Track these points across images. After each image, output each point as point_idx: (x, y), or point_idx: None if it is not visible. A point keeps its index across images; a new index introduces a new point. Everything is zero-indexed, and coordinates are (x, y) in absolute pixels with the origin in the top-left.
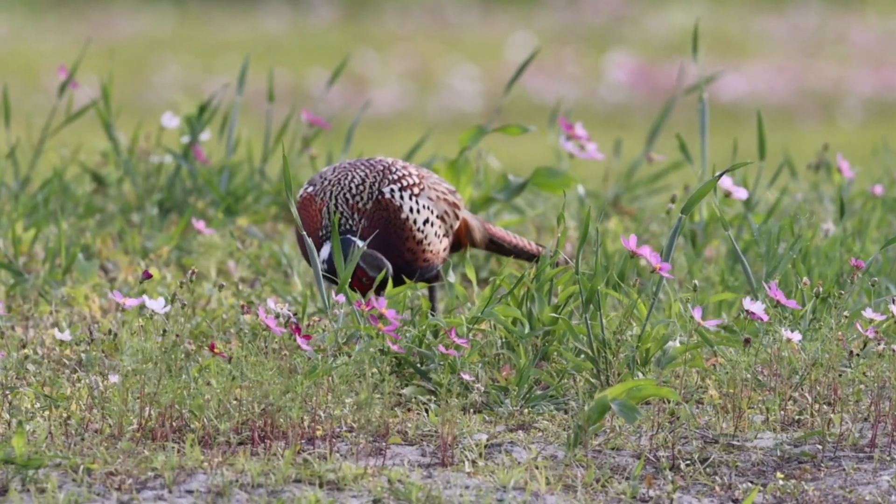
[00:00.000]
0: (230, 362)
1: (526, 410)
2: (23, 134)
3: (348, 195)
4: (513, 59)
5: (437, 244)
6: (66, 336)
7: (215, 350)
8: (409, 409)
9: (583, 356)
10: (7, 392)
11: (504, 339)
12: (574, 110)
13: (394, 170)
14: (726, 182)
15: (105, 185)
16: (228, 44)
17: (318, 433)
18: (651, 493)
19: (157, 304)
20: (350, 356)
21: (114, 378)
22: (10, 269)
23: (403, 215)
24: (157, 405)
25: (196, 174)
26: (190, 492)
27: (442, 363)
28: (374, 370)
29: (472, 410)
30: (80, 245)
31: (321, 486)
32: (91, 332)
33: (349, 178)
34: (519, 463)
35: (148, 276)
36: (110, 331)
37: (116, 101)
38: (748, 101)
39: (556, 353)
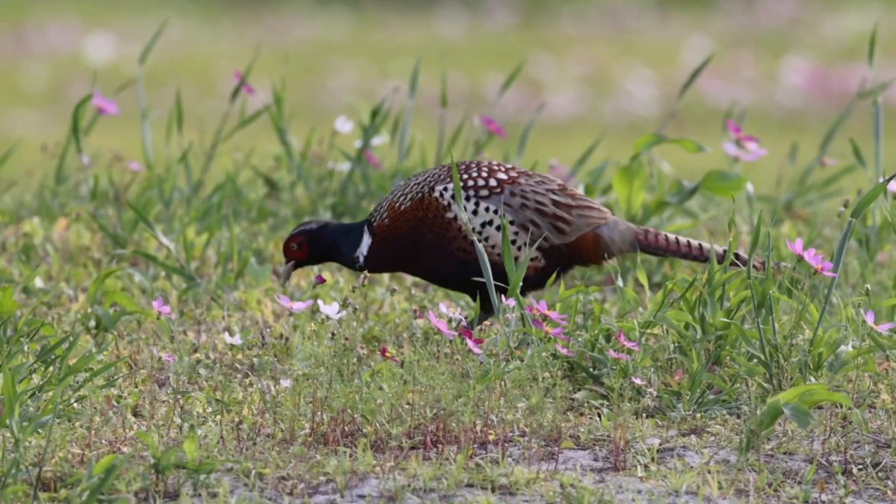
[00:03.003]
0: (402, 367)
1: (698, 415)
2: (195, 138)
3: (393, 196)
4: (689, 62)
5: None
6: (238, 340)
7: (387, 354)
8: (581, 414)
9: (755, 360)
10: (179, 396)
11: (676, 344)
12: (749, 115)
13: (470, 170)
14: (893, 185)
15: (278, 189)
16: (404, 48)
17: (491, 437)
18: (823, 497)
19: (330, 309)
20: (522, 360)
21: (285, 382)
22: (183, 273)
23: (450, 215)
24: (328, 409)
25: (369, 178)
26: (362, 496)
27: (614, 367)
28: (546, 374)
29: (644, 415)
30: (252, 249)
31: (493, 490)
32: (263, 337)
33: (409, 183)
34: (691, 467)
35: (321, 280)
36: (282, 335)
37: (290, 106)
38: None
39: (728, 358)
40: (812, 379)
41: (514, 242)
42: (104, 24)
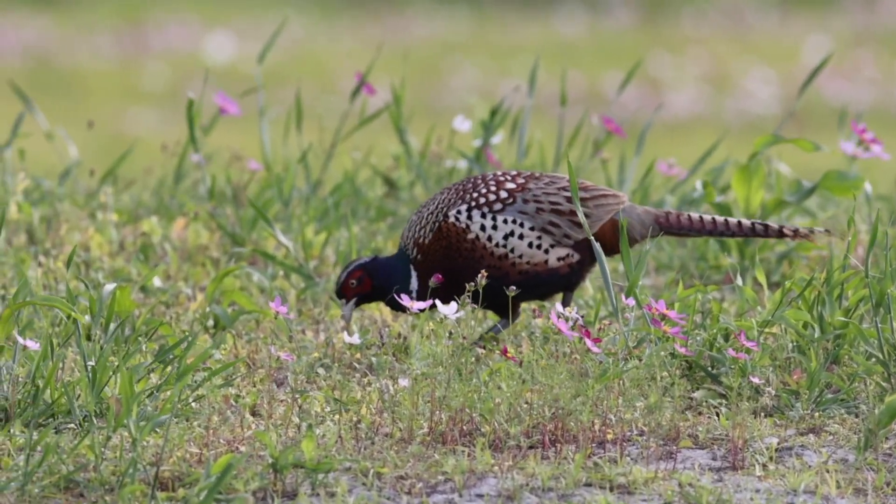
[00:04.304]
0: (521, 366)
1: (816, 414)
2: (315, 137)
3: (414, 231)
4: (809, 61)
5: (537, 255)
6: (357, 340)
7: (506, 354)
8: (699, 413)
9: (873, 360)
10: (297, 396)
11: (795, 343)
12: (869, 114)
13: (478, 186)
14: None
15: (396, 188)
16: (524, 47)
17: (609, 437)
18: None
19: (448, 309)
20: (641, 360)
21: (404, 382)
22: (302, 272)
23: (471, 235)
24: (447, 409)
25: None
26: (480, 496)
27: (732, 366)
28: (665, 373)
29: (762, 414)
30: (371, 248)
31: (611, 489)
32: (382, 336)
33: (423, 214)
34: (809, 466)
35: (440, 280)
36: (400, 334)
37: (410, 104)
38: None
39: (846, 357)
40: None
41: (539, 247)
42: (224, 22)
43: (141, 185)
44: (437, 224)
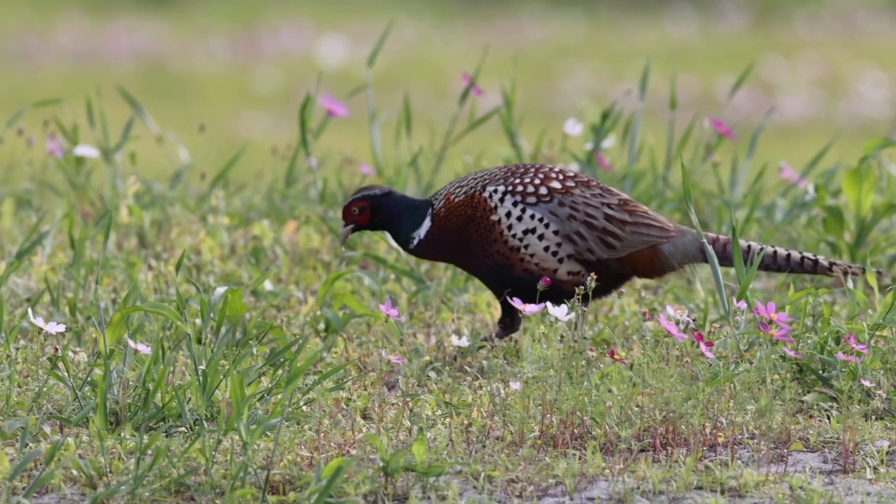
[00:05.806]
0: (631, 369)
1: None
2: (426, 140)
3: (452, 187)
4: None
5: (548, 260)
6: (466, 343)
7: (616, 357)
8: (810, 416)
9: None
10: (408, 399)
11: None
12: None
13: (525, 174)
14: None
15: None
16: (637, 50)
17: (720, 440)
18: None
19: (559, 311)
20: (751, 363)
21: (515, 385)
22: (412, 276)
23: (495, 217)
24: (558, 412)
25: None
26: (591, 499)
27: (843, 369)
28: (776, 377)
29: (873, 417)
30: None
31: (722, 492)
32: (492, 340)
33: (468, 177)
34: None
35: (548, 283)
36: (511, 337)
37: (523, 107)
38: None
39: None
40: None
41: (555, 254)
42: (337, 26)
43: (252, 188)
44: (472, 191)
